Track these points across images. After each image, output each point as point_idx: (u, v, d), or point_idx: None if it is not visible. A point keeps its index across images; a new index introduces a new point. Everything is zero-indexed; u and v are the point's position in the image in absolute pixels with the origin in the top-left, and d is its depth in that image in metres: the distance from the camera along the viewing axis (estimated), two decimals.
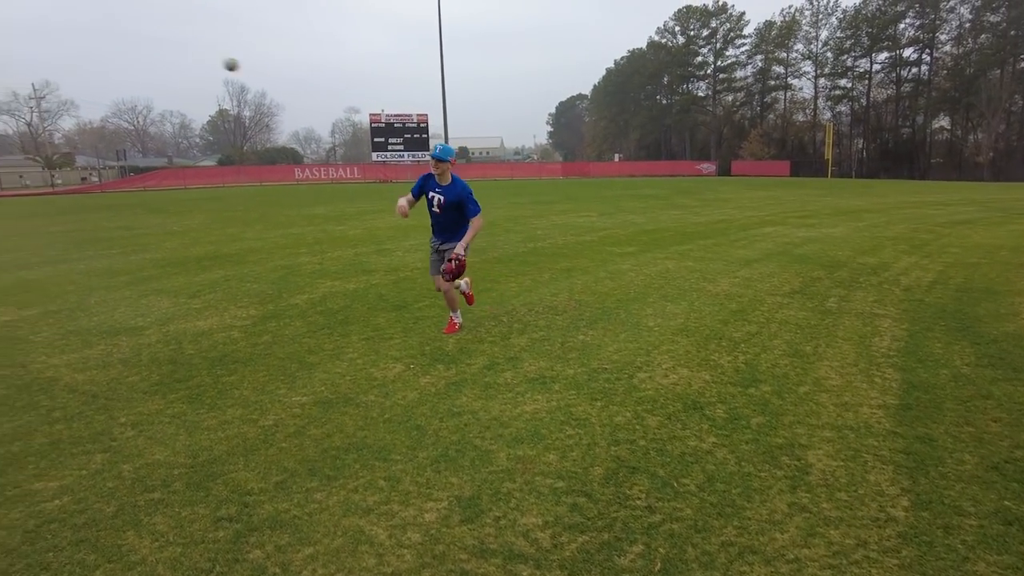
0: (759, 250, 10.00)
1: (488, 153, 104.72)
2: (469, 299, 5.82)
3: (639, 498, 2.81)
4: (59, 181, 55.94)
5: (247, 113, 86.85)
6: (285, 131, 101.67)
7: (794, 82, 67.58)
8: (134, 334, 5.62)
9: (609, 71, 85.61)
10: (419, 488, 2.91)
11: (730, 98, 73.54)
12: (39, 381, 4.51)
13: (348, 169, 53.53)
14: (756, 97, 71.09)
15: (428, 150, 55.93)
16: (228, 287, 7.59)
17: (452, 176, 5.11)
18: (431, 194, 5.14)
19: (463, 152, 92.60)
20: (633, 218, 15.76)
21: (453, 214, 5.12)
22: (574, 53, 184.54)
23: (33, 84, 77.79)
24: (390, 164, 52.48)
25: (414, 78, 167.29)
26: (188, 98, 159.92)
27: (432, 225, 5.31)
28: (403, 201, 5.06)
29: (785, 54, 66.97)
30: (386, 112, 54.04)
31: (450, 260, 5.02)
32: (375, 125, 53.95)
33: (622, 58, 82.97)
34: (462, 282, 5.55)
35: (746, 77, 71.10)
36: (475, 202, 5.11)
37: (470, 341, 5.18)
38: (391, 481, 2.97)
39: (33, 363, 4.91)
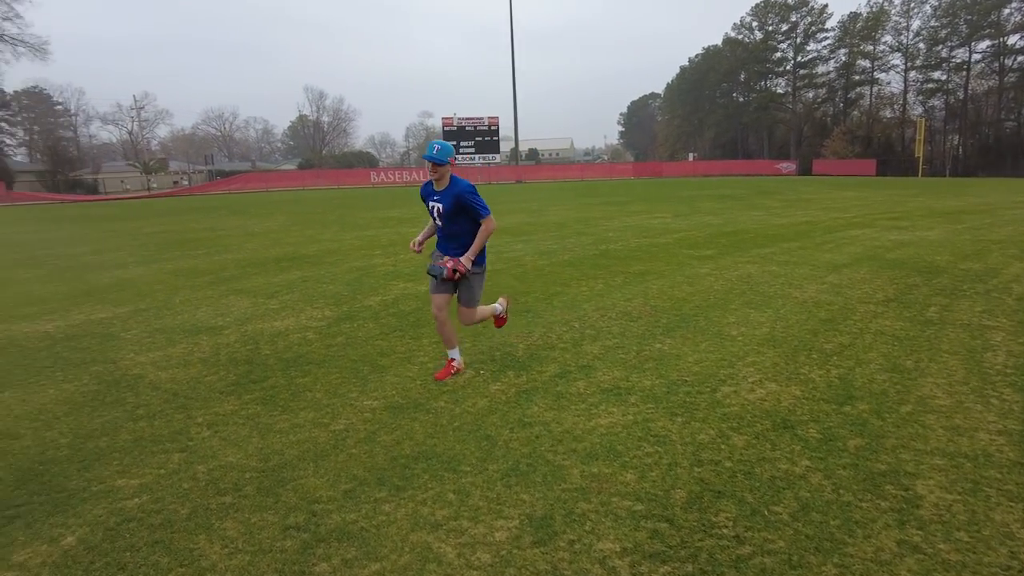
0: (848, 254, 9.39)
1: (557, 155, 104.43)
2: (499, 321, 4.99)
3: (726, 526, 2.58)
4: (154, 185, 59.59)
5: (326, 119, 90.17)
6: (362, 136, 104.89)
7: (881, 76, 63.96)
8: (214, 333, 5.78)
9: (683, 69, 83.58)
10: (489, 504, 2.78)
11: (811, 94, 70.29)
12: (127, 378, 4.67)
13: (421, 172, 54.43)
14: (839, 93, 67.66)
15: (499, 152, 56.39)
16: (305, 288, 7.75)
17: (452, 177, 4.24)
18: (430, 203, 4.32)
19: (532, 154, 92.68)
20: (710, 219, 15.21)
21: (459, 222, 4.27)
22: (647, 52, 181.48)
23: (134, 96, 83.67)
24: (460, 166, 53.07)
25: (486, 80, 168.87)
26: (270, 105, 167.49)
27: (437, 239, 4.52)
28: (419, 236, 4.56)
29: (872, 47, 63.41)
30: (458, 116, 54.75)
31: (452, 270, 4.21)
32: (447, 128, 54.74)
33: (697, 56, 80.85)
34: (498, 304, 4.88)
35: (828, 72, 67.75)
36: (481, 202, 4.24)
37: (540, 347, 5.03)
38: (460, 495, 2.86)
39: (122, 360, 5.11)
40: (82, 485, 3.11)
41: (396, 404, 3.98)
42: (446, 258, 4.25)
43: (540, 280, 7.80)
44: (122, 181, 64.48)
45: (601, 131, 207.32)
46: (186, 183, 62.09)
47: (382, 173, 55.24)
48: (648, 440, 3.34)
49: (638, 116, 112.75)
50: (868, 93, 65.67)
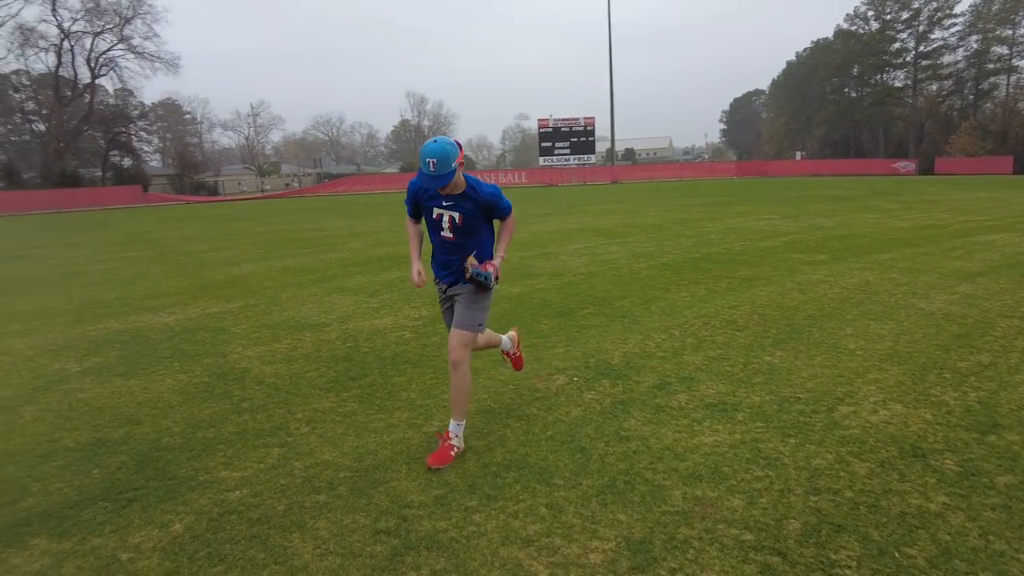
0: (982, 261, 8.48)
1: (655, 154, 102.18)
2: (516, 362, 4.15)
3: (848, 566, 2.31)
4: (267, 187, 63.58)
5: (426, 123, 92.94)
6: (460, 139, 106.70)
7: (1021, 64, 57.94)
8: (317, 330, 5.97)
9: (790, 64, 79.39)
10: (583, 522, 2.64)
11: (934, 87, 64.73)
12: (234, 371, 4.89)
13: (515, 174, 54.90)
14: (969, 84, 61.87)
15: (594, 153, 55.80)
16: (403, 288, 7.90)
17: (467, 179, 3.30)
18: (435, 212, 3.34)
19: (629, 154, 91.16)
20: (822, 221, 14.25)
21: (475, 230, 3.36)
22: (750, 47, 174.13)
23: (251, 104, 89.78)
24: (555, 168, 52.93)
25: (582, 81, 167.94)
26: (374, 110, 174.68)
27: (434, 254, 3.54)
28: (415, 267, 3.59)
29: (1010, 31, 57.58)
30: (554, 117, 54.67)
31: (484, 276, 3.33)
32: (543, 130, 54.77)
33: (805, 50, 76.52)
34: (506, 337, 4.01)
35: (956, 62, 62.02)
36: (506, 200, 3.44)
37: (637, 355, 4.82)
38: (553, 510, 2.73)
39: (231, 353, 5.37)
40: (190, 474, 3.24)
41: (488, 408, 3.92)
42: (487, 262, 3.40)
43: (637, 284, 7.55)
44: (239, 183, 69.28)
45: (701, 129, 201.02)
46: (296, 185, 65.83)
47: (479, 176, 56.01)
48: (757, 462, 3.08)
49: (741, 113, 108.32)
50: (1004, 83, 59.65)
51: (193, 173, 59.91)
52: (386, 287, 7.97)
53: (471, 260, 3.35)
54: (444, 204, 3.32)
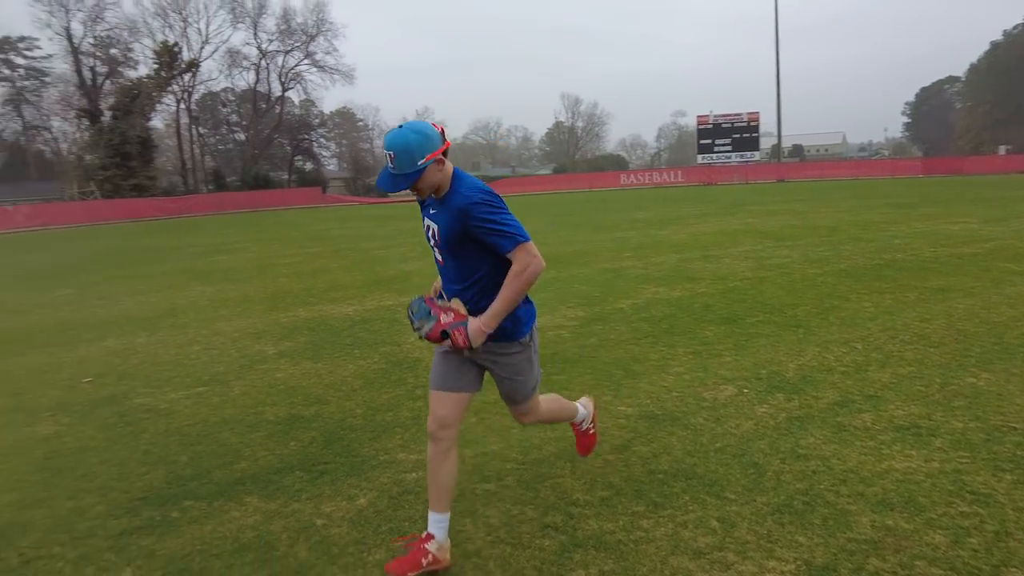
0: None
1: (826, 150, 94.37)
2: (586, 443, 3.19)
3: None
4: None
5: (579, 124, 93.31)
6: (613, 139, 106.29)
7: None
8: None
9: (995, 45, 69.52)
10: (758, 540, 2.51)
11: None
12: (407, 360, 5.24)
13: (671, 173, 53.31)
14: None
15: (758, 150, 52.78)
16: (559, 287, 8.00)
17: (456, 175, 2.35)
18: (425, 222, 2.49)
19: (796, 151, 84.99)
20: None
21: (468, 256, 2.37)
22: (940, 28, 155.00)
23: (416, 110, 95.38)
24: (715, 166, 50.73)
25: (742, 76, 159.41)
26: (530, 112, 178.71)
27: (441, 279, 2.64)
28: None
29: None
30: (714, 113, 52.48)
31: (454, 335, 2.32)
32: (702, 127, 52.81)
33: (1015, 27, 66.69)
34: (579, 404, 3.12)
35: None
36: (508, 220, 2.26)
37: (815, 369, 4.49)
38: (725, 524, 2.63)
39: (405, 343, 5.75)
40: (372, 453, 3.52)
41: (651, 414, 3.85)
42: (451, 302, 2.43)
43: (812, 291, 7.02)
44: None
45: (880, 123, 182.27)
46: None
47: (632, 175, 55.19)
48: (963, 497, 2.74)
49: (928, 105, 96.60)
50: None
51: (365, 176, 64.98)
52: (543, 287, 8.10)
53: (454, 303, 2.43)
54: (431, 210, 2.43)
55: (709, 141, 52.28)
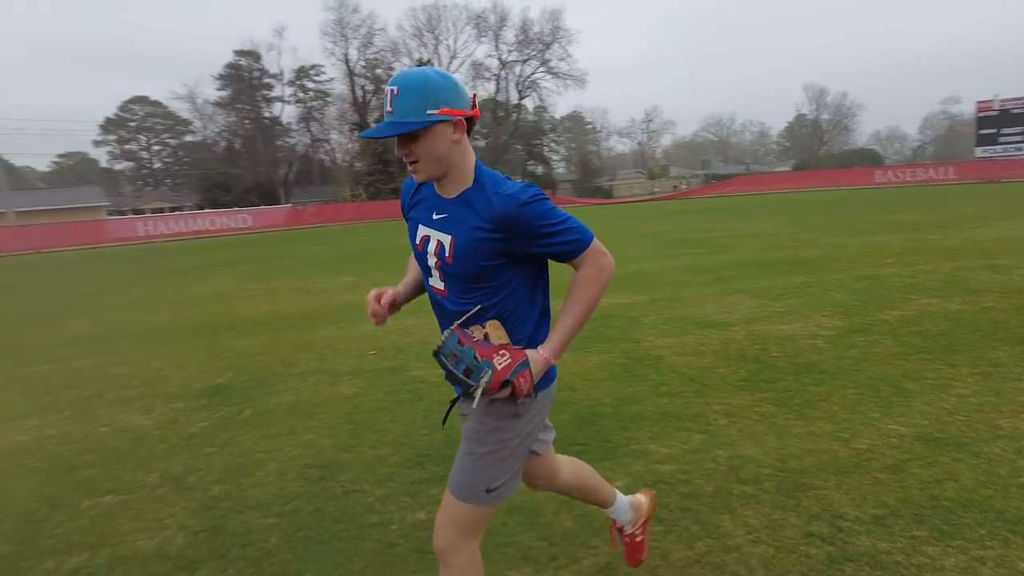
0: None
1: None
2: (634, 552, 2.40)
3: None
4: (656, 189, 66.46)
5: (825, 116, 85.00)
6: (865, 132, 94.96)
7: None
8: (722, 328, 6.08)
9: None
10: None
11: None
12: (648, 357, 5.33)
13: (939, 169, 45.95)
14: None
15: None
16: (809, 294, 7.47)
17: (480, 169, 1.74)
18: (420, 233, 1.82)
19: None
20: None
21: (484, 279, 1.71)
22: None
23: (644, 110, 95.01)
24: (998, 160, 42.67)
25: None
26: (767, 107, 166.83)
27: (437, 317, 1.90)
28: (385, 294, 1.94)
29: None
30: (1000, 97, 44.12)
31: (460, 369, 1.64)
32: (983, 115, 44.70)
33: None
34: (626, 500, 2.40)
35: None
36: (565, 217, 1.68)
37: None
38: None
39: (643, 340, 5.85)
40: (622, 442, 3.68)
41: (929, 436, 3.47)
42: (487, 327, 1.73)
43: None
44: (630, 186, 73.97)
45: None
46: (684, 187, 67.27)
47: (888, 172, 48.71)
48: None
49: None
50: None
51: (592, 178, 66.40)
52: (791, 292, 7.63)
53: (475, 329, 1.72)
54: (434, 216, 1.77)
55: (993, 131, 44.03)
